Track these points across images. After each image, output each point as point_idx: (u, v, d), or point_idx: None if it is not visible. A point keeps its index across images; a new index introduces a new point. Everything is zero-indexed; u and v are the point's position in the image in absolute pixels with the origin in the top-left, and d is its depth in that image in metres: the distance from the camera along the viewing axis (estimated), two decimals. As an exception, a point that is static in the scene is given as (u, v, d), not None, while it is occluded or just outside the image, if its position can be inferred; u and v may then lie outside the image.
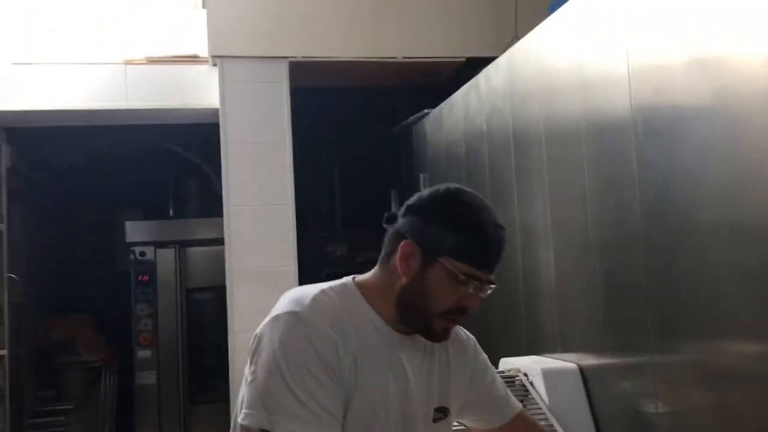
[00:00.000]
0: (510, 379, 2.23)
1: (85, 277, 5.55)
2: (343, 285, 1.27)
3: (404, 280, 1.22)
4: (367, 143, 4.83)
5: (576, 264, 2.24)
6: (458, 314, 1.24)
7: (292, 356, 1.14)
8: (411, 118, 4.09)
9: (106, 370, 4.80)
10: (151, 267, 5.11)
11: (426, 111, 3.82)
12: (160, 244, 5.16)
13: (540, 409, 2.07)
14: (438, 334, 1.26)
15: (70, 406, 4.60)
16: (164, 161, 5.50)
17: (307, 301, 1.20)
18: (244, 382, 1.21)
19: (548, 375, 2.14)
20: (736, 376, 1.48)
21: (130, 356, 5.07)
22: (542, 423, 2.04)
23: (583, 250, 2.16)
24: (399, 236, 1.24)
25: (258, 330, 1.22)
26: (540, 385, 2.14)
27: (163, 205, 5.65)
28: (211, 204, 4.89)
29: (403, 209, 1.26)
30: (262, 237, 3.55)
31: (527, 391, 2.17)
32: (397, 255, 1.22)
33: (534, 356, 2.43)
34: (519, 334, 2.70)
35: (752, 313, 1.43)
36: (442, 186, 1.26)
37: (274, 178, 3.61)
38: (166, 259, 5.15)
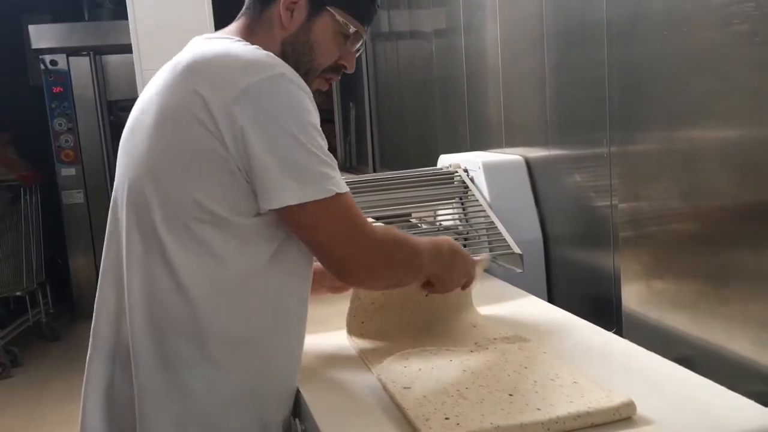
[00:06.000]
0: (448, 177, 1.99)
1: (-4, 91, 5.07)
2: (242, 41, 1.13)
3: (287, 31, 1.16)
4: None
5: (526, 55, 1.96)
6: (335, 72, 1.22)
7: (300, 119, 1.04)
8: None
9: (26, 188, 4.49)
10: (64, 77, 4.65)
11: None
12: (72, 51, 4.66)
13: (480, 206, 1.86)
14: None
15: (-11, 227, 4.33)
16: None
17: (275, 60, 1.07)
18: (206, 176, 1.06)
19: (490, 168, 1.91)
20: (704, 162, 1.27)
21: (54, 175, 4.77)
22: (482, 220, 1.84)
23: (534, 39, 1.87)
24: None
25: (230, 108, 1.02)
26: (481, 180, 1.91)
27: (74, 7, 5.06)
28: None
29: None
30: (175, 28, 3.12)
31: (467, 188, 1.94)
32: (280, 2, 1.16)
33: (476, 152, 2.20)
34: (461, 130, 2.45)
35: (722, 95, 1.19)
36: None
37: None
38: (81, 68, 4.68)
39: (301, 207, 1.03)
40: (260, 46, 1.11)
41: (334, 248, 1.08)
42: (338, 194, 1.05)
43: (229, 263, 1.08)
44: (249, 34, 1.16)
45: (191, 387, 1.09)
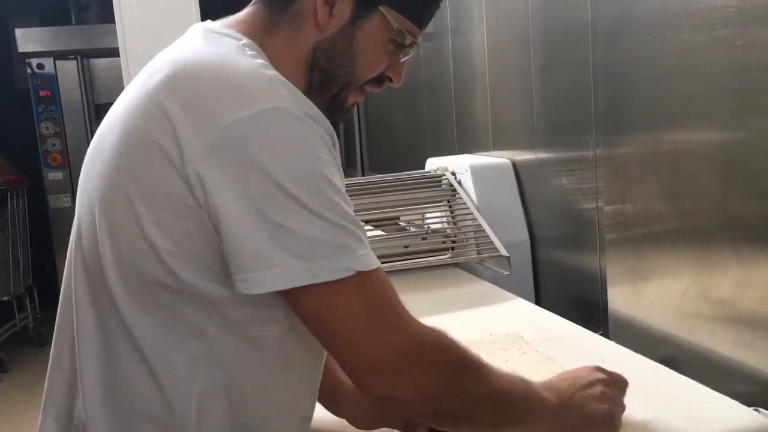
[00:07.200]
0: (436, 180, 2.00)
1: (-18, 94, 5.05)
2: (251, 47, 0.84)
3: (323, 34, 0.87)
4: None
5: (512, 59, 1.97)
6: (377, 84, 0.94)
7: (304, 169, 0.75)
8: None
9: (13, 192, 4.46)
10: (51, 81, 4.63)
11: None
12: (59, 55, 4.64)
13: (467, 209, 1.87)
14: (345, 111, 0.95)
15: (-25, 231, 4.31)
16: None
17: (279, 87, 0.77)
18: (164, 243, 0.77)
19: (477, 171, 1.92)
20: (688, 164, 1.28)
21: (41, 179, 4.76)
22: (469, 223, 1.85)
23: (520, 42, 1.88)
24: None
25: (192, 152, 0.74)
26: (469, 183, 1.92)
27: (62, 11, 5.05)
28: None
29: None
30: (163, 31, 3.12)
31: (454, 191, 1.95)
32: None
33: (464, 155, 2.21)
34: (449, 134, 2.46)
35: (705, 98, 1.20)
36: None
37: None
38: (68, 71, 4.66)
39: (300, 291, 0.74)
40: (281, 49, 0.87)
41: (351, 344, 0.76)
42: (360, 273, 0.75)
43: (208, 338, 0.80)
44: (267, 32, 0.87)
45: None
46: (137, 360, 0.81)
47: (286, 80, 0.79)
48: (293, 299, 0.76)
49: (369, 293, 0.77)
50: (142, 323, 0.80)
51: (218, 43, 0.83)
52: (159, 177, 0.76)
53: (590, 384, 0.90)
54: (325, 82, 0.90)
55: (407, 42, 0.90)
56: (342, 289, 0.75)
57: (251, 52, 0.82)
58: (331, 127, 0.80)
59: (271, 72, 0.79)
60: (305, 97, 0.79)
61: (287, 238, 0.73)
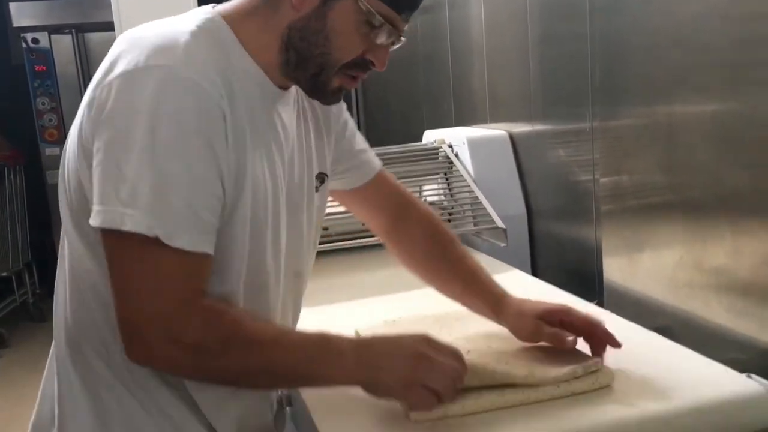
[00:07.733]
0: (433, 152, 2.00)
1: (-23, 69, 5.00)
2: (210, 22, 0.91)
3: (296, 13, 0.90)
4: None
5: (510, 31, 1.96)
6: (361, 69, 0.95)
7: (162, 130, 0.81)
8: None
9: (10, 168, 4.45)
10: (46, 55, 4.59)
11: None
12: (54, 29, 4.60)
13: (464, 181, 1.87)
14: (332, 93, 0.96)
15: (-28, 207, 4.30)
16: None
17: (178, 50, 0.84)
18: (78, 166, 0.88)
19: (474, 144, 1.92)
20: (683, 136, 1.29)
21: (38, 155, 4.74)
22: (466, 195, 1.85)
23: (518, 14, 1.87)
24: None
25: (96, 91, 0.85)
26: (466, 156, 1.92)
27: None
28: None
29: None
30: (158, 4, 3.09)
31: (451, 163, 1.95)
32: None
33: (461, 127, 2.21)
34: (446, 106, 2.46)
35: (701, 69, 1.20)
36: None
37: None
38: (63, 46, 4.63)
39: (102, 232, 0.83)
40: (261, 27, 0.91)
41: (117, 299, 0.84)
42: (159, 241, 0.80)
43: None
44: (248, 12, 0.92)
45: (111, 414, 0.92)
46: (82, 291, 0.92)
47: (201, 46, 0.86)
48: (104, 237, 0.84)
49: (159, 264, 0.82)
50: (83, 254, 0.90)
51: (186, 15, 0.92)
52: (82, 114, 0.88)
53: (402, 354, 0.89)
54: (300, 61, 0.92)
55: (377, 23, 0.90)
56: (138, 243, 0.81)
57: (201, 24, 0.89)
58: (225, 102, 0.85)
59: (189, 38, 0.86)
60: (210, 64, 0.86)
61: (121, 183, 0.81)
